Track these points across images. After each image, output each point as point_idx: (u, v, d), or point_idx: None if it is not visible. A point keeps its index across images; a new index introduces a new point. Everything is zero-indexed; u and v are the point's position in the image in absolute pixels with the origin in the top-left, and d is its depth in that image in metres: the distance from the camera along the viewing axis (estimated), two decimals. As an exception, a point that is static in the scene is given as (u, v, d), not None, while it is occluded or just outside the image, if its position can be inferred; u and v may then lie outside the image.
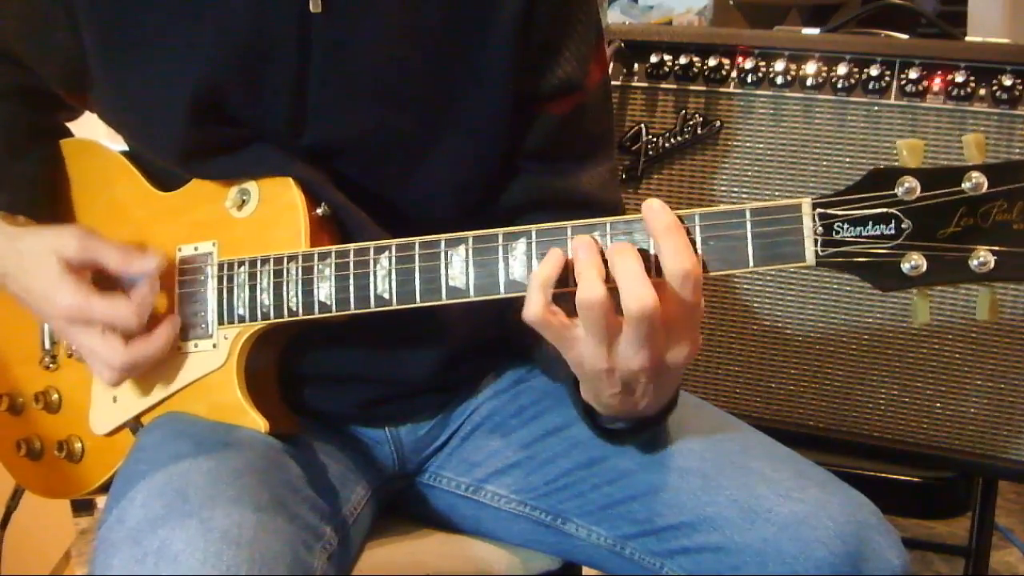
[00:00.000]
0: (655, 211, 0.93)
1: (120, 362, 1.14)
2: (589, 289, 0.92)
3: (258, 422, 1.13)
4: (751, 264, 0.92)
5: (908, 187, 0.86)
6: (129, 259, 1.16)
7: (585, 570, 1.34)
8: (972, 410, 1.66)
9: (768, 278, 1.72)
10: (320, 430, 1.26)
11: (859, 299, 1.68)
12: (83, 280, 1.15)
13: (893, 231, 0.87)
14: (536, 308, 0.95)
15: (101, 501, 1.18)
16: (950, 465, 1.71)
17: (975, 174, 0.85)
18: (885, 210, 0.87)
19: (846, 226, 0.88)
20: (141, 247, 1.19)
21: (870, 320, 1.68)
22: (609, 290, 0.92)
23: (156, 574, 0.93)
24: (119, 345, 1.13)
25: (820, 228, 0.89)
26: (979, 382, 1.65)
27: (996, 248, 0.85)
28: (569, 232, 0.97)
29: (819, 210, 0.89)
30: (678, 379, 1.05)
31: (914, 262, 0.87)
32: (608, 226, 0.96)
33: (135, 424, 1.21)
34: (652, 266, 0.94)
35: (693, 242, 0.93)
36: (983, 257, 0.85)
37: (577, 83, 1.20)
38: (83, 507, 2.51)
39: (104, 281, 1.17)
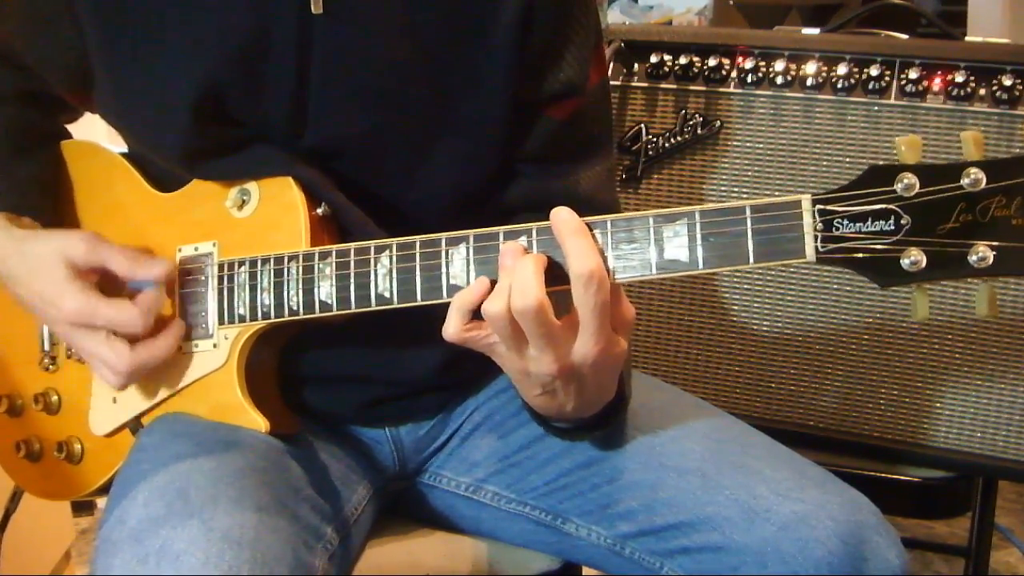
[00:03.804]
0: (562, 217, 0.97)
1: (125, 367, 1.14)
2: (491, 303, 0.97)
3: (258, 422, 1.14)
4: (751, 261, 0.92)
5: (907, 183, 0.87)
6: (136, 264, 1.16)
7: (585, 570, 1.34)
8: (972, 410, 1.66)
9: (768, 278, 1.72)
10: (321, 430, 1.26)
11: (859, 299, 1.68)
12: (89, 284, 1.15)
13: (892, 227, 0.88)
14: (452, 328, 1.01)
15: (101, 501, 1.18)
16: (950, 465, 1.71)
17: (974, 170, 0.85)
18: (885, 206, 0.88)
19: (846, 222, 0.89)
20: (148, 252, 1.19)
21: (870, 320, 1.68)
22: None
23: (158, 574, 0.93)
24: (124, 350, 1.13)
25: (820, 224, 0.90)
26: (979, 382, 1.65)
27: (995, 243, 0.85)
28: None
29: (819, 206, 0.90)
30: (607, 386, 1.07)
31: (913, 258, 0.87)
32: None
33: (135, 425, 1.21)
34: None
35: (601, 250, 0.97)
36: (982, 252, 0.85)
37: (577, 87, 1.20)
38: (83, 507, 2.51)
39: (110, 285, 1.17)
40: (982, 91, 1.60)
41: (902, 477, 1.74)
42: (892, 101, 1.64)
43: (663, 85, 1.74)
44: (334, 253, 1.09)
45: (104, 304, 1.13)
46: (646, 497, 1.15)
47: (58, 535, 2.34)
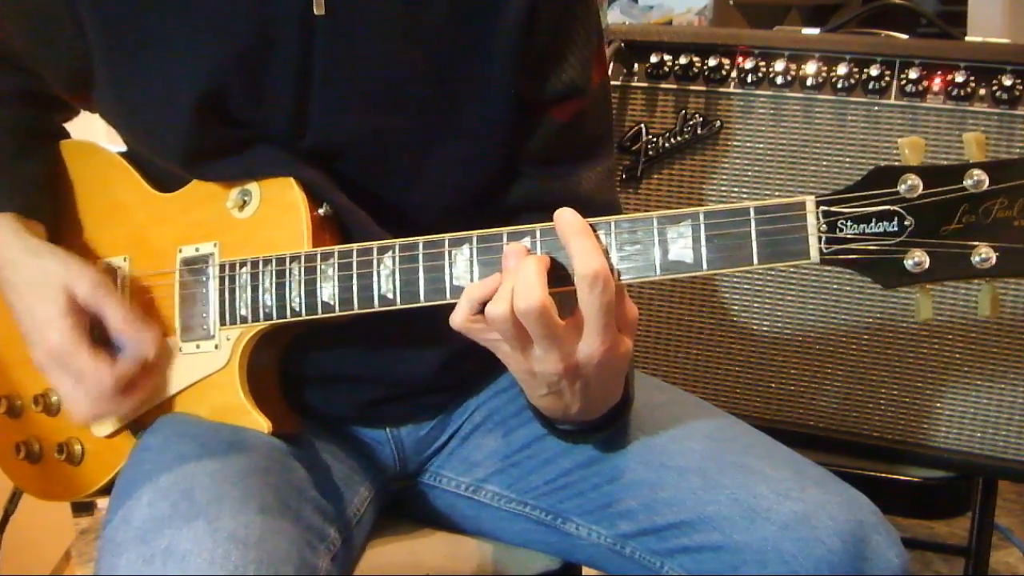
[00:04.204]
0: (566, 218, 0.97)
1: (86, 416, 1.16)
2: (493, 306, 0.97)
3: (260, 423, 1.14)
4: (756, 262, 0.92)
5: (911, 185, 0.87)
6: (131, 329, 1.16)
7: (585, 570, 1.34)
8: (972, 410, 1.66)
9: (768, 278, 1.72)
10: (322, 431, 1.26)
11: (859, 299, 1.68)
12: (80, 324, 1.15)
13: (896, 228, 0.88)
14: (459, 316, 1.00)
15: (101, 502, 1.18)
16: (950, 465, 1.72)
17: (976, 171, 0.86)
18: (888, 207, 0.88)
19: (849, 223, 0.89)
20: (146, 319, 1.18)
21: (870, 320, 1.68)
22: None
23: (164, 574, 0.93)
24: (87, 401, 1.14)
25: (824, 226, 0.90)
26: (979, 382, 1.66)
27: (997, 244, 0.86)
28: None
29: (823, 208, 0.90)
30: (613, 386, 1.08)
31: (917, 259, 0.88)
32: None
33: (136, 426, 1.21)
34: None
35: (605, 250, 0.97)
36: (985, 253, 0.86)
37: (580, 88, 1.20)
38: (83, 507, 2.51)
39: (102, 326, 1.17)
40: (982, 91, 1.60)
41: (902, 477, 1.74)
42: (892, 101, 1.64)
43: (663, 85, 1.74)
44: (336, 254, 1.09)
45: (84, 355, 1.13)
46: (646, 496, 1.15)
47: (58, 535, 2.34)
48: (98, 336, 1.17)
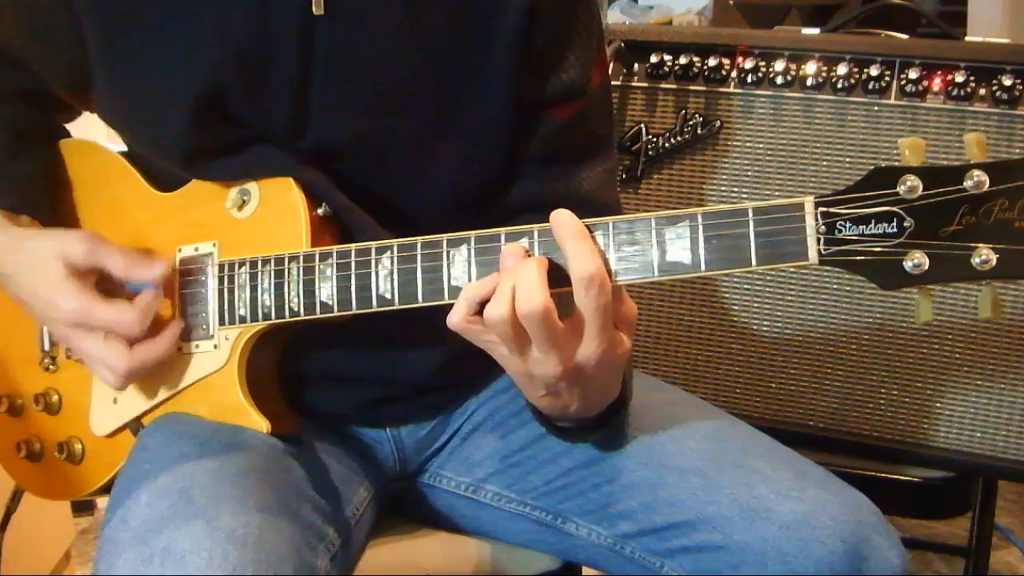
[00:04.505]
0: (562, 220, 0.97)
1: (124, 367, 1.13)
2: (492, 308, 0.96)
3: (259, 423, 1.13)
4: (754, 263, 0.92)
5: (910, 185, 0.87)
6: (134, 265, 1.15)
7: (585, 570, 1.34)
8: (972, 410, 1.66)
9: (768, 278, 1.72)
10: (322, 431, 1.26)
11: (859, 299, 1.68)
12: (86, 285, 1.15)
13: (895, 229, 0.88)
14: (457, 316, 1.00)
15: (101, 501, 1.18)
16: (950, 465, 1.72)
17: (977, 172, 0.85)
18: (887, 208, 0.88)
19: (848, 225, 0.89)
20: (146, 252, 1.19)
21: (870, 320, 1.68)
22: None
23: (162, 574, 0.93)
24: (122, 350, 1.13)
25: (823, 227, 0.90)
26: (979, 382, 1.65)
27: (998, 246, 0.85)
28: None
29: (821, 209, 0.90)
30: (611, 384, 1.07)
31: (916, 260, 0.87)
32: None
33: (136, 425, 1.21)
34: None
35: (603, 252, 0.97)
36: (985, 255, 0.85)
37: (580, 88, 1.20)
38: (83, 507, 2.51)
39: (108, 286, 1.17)
40: (982, 91, 1.60)
41: (902, 477, 1.75)
42: (892, 101, 1.64)
43: (663, 85, 1.74)
44: (335, 254, 1.09)
45: (101, 305, 1.13)
46: (646, 497, 1.15)
47: (58, 535, 2.34)
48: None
